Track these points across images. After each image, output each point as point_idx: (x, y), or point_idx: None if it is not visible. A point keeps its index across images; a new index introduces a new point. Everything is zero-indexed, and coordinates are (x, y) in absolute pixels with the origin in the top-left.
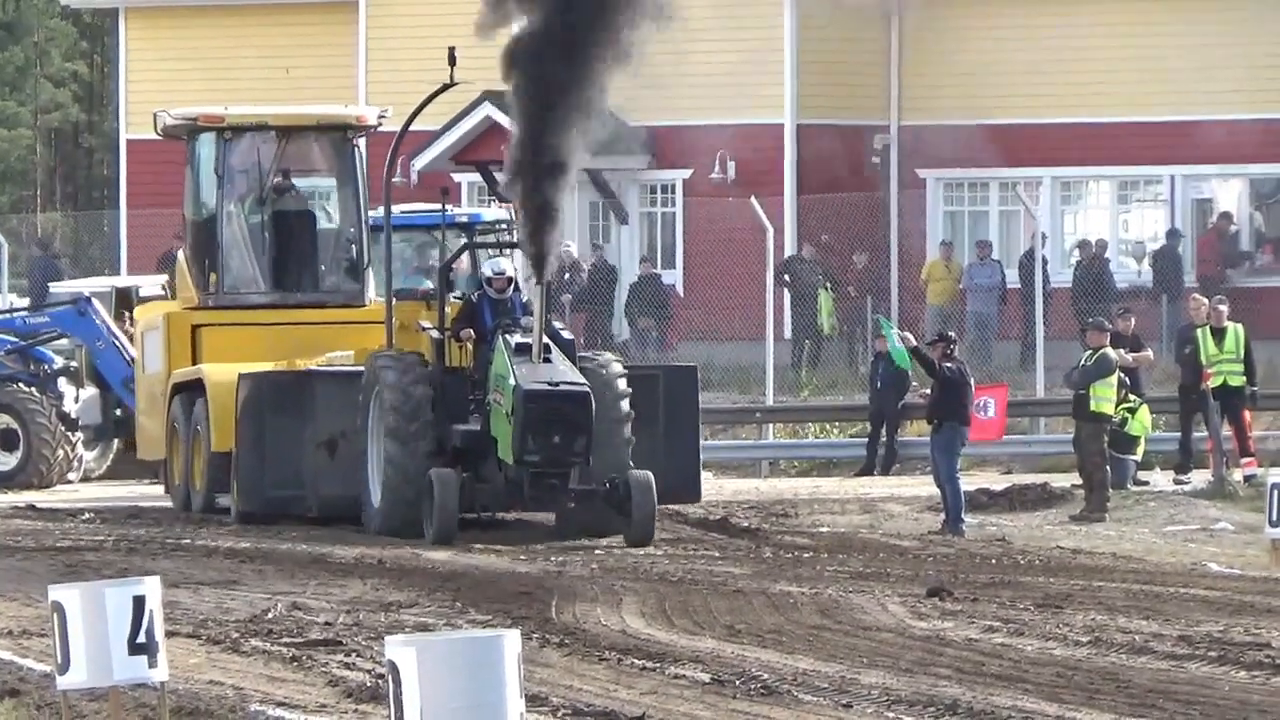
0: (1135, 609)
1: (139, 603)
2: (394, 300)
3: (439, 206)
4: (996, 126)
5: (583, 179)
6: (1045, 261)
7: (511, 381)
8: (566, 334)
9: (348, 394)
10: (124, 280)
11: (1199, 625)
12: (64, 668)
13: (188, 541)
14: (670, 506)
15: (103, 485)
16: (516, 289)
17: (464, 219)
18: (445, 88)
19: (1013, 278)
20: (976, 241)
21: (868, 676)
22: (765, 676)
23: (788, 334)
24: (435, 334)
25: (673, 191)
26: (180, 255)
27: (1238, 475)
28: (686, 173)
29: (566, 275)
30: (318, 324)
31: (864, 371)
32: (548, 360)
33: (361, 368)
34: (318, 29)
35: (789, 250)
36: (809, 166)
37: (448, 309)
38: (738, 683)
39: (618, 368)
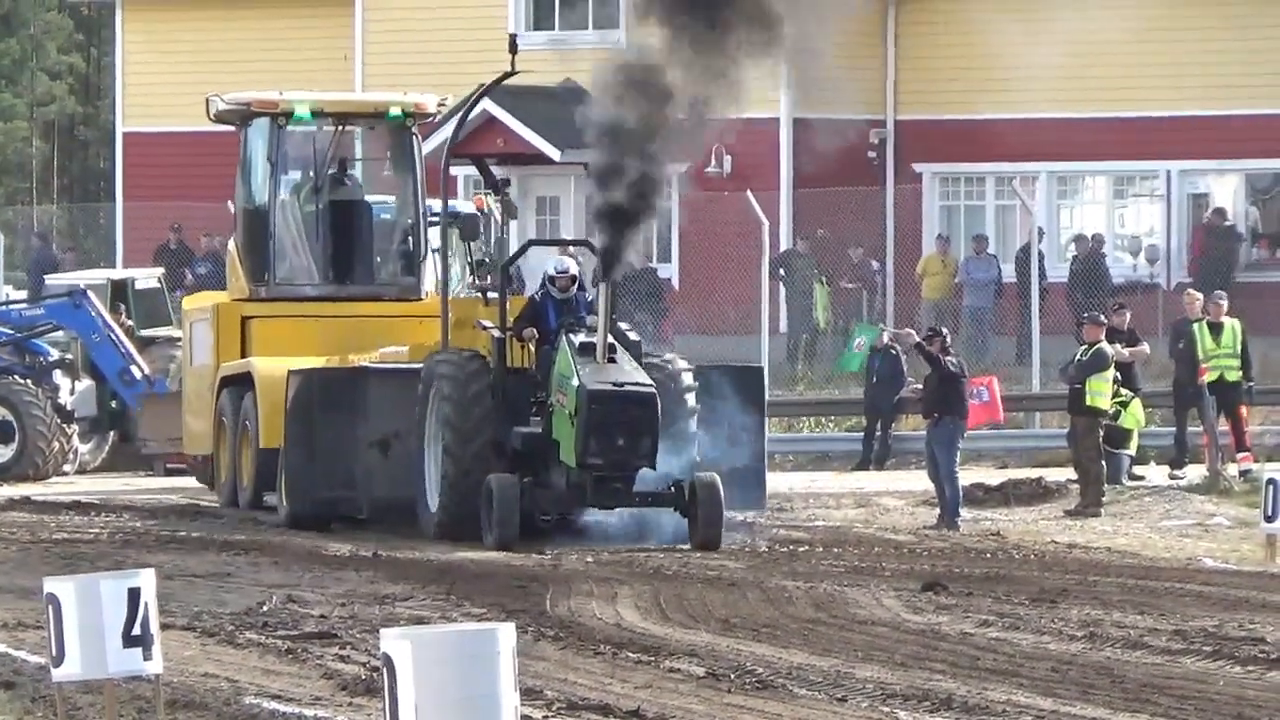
0: (1130, 604)
1: (134, 595)
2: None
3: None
4: (992, 121)
5: (579, 173)
6: (1041, 256)
7: (575, 382)
8: (633, 334)
9: (402, 391)
10: (120, 273)
11: (1194, 620)
12: (59, 660)
13: (183, 534)
14: None
15: (98, 478)
16: (581, 288)
17: None
18: (506, 76)
19: (1008, 272)
20: (973, 236)
21: (862, 670)
22: (760, 670)
23: (783, 328)
24: (496, 333)
25: (668, 185)
26: (230, 245)
27: (1233, 470)
28: (682, 166)
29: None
30: (372, 318)
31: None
32: (613, 360)
33: (417, 365)
34: (314, 20)
35: (784, 244)
36: (805, 161)
37: (509, 306)
38: (732, 676)
39: (684, 368)
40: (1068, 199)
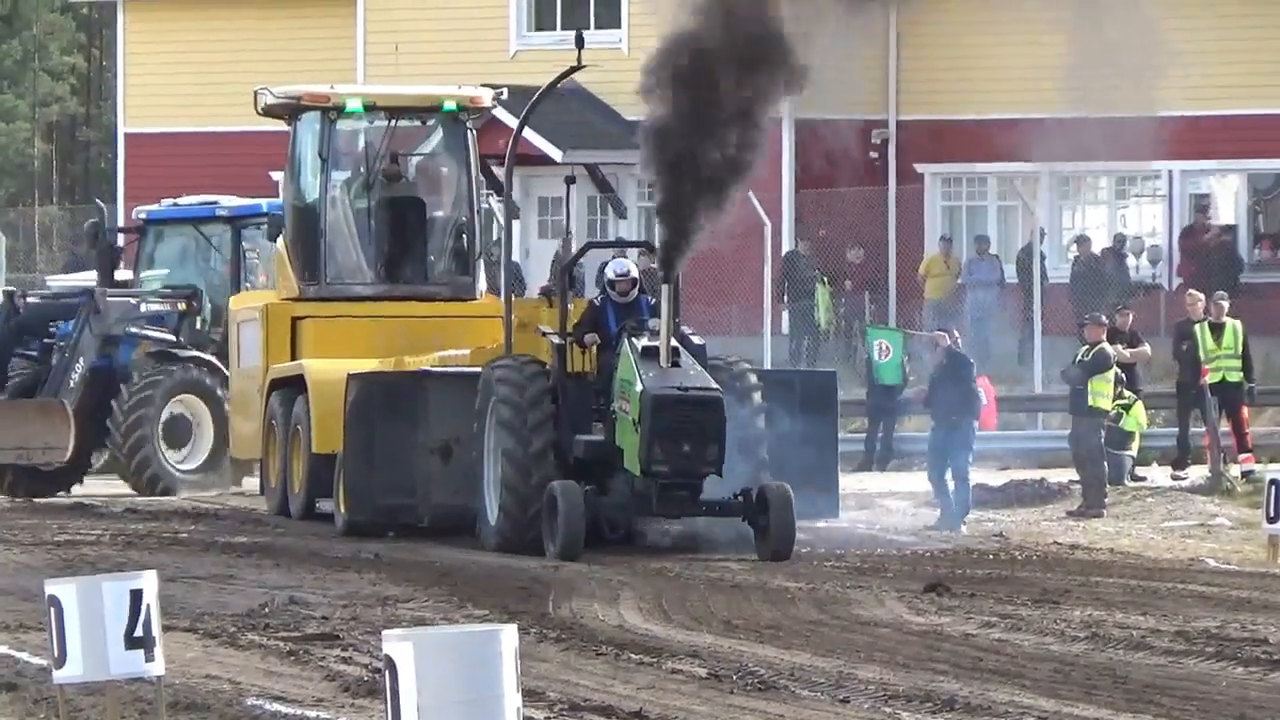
0: (1132, 604)
1: (136, 597)
2: (487, 298)
3: (210, 199)
4: (994, 121)
5: (580, 173)
6: (1043, 257)
7: (638, 387)
8: (697, 339)
9: (463, 396)
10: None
11: (1196, 621)
12: (60, 662)
13: (185, 535)
14: None
15: (102, 479)
16: (642, 290)
17: (225, 212)
18: (572, 70)
19: (1010, 273)
20: (975, 237)
21: (865, 671)
22: (762, 671)
23: (785, 329)
24: (556, 339)
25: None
26: (279, 243)
27: (1235, 471)
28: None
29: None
30: (426, 318)
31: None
32: (676, 364)
33: (478, 369)
34: (316, 21)
35: (786, 245)
36: (807, 161)
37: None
38: (735, 677)
39: (752, 372)
40: (1069, 200)
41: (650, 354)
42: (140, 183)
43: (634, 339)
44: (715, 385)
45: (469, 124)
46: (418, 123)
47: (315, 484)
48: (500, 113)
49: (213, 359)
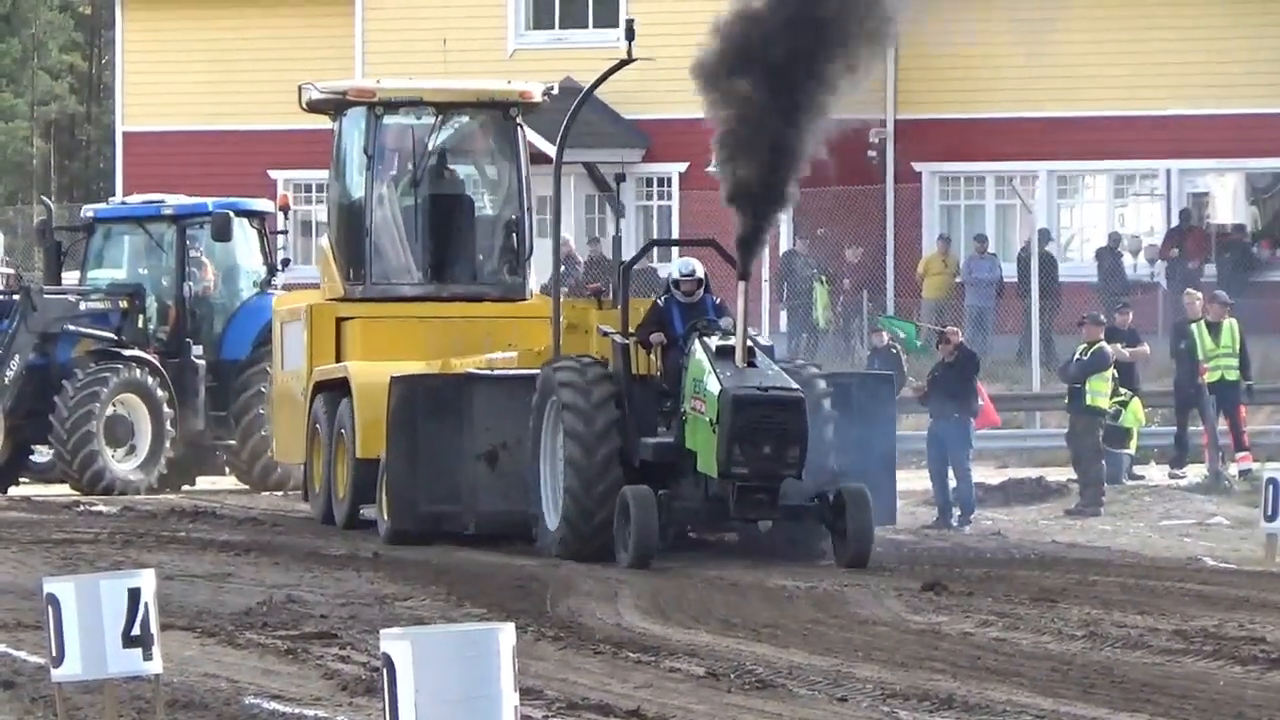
0: (1130, 603)
1: (134, 595)
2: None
3: (156, 198)
4: (992, 120)
5: (579, 172)
6: (1050, 257)
7: (716, 388)
8: (761, 339)
9: (510, 400)
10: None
11: (1194, 620)
12: (58, 660)
13: (183, 534)
14: None
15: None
16: (707, 289)
17: (169, 211)
18: (623, 64)
19: (1009, 271)
20: (974, 236)
21: (863, 670)
22: (760, 670)
23: (783, 327)
24: (619, 339)
25: (668, 185)
26: (324, 242)
27: (1233, 470)
28: (682, 166)
29: (562, 268)
30: (474, 319)
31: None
32: (753, 364)
33: (526, 371)
34: (315, 19)
35: (784, 244)
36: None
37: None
38: (733, 676)
39: (818, 374)
40: (1068, 198)
41: (725, 353)
42: (139, 181)
43: (706, 338)
44: (795, 386)
45: (518, 119)
46: (466, 118)
47: (360, 490)
48: None
49: (153, 358)
